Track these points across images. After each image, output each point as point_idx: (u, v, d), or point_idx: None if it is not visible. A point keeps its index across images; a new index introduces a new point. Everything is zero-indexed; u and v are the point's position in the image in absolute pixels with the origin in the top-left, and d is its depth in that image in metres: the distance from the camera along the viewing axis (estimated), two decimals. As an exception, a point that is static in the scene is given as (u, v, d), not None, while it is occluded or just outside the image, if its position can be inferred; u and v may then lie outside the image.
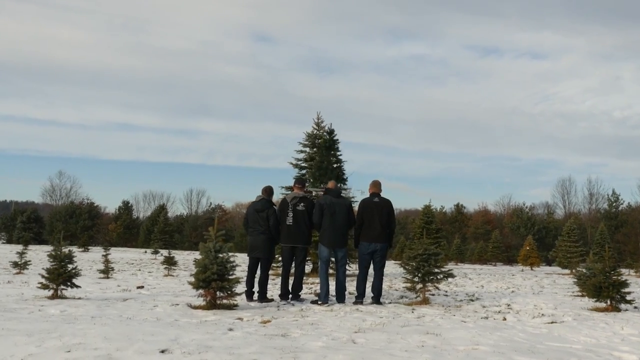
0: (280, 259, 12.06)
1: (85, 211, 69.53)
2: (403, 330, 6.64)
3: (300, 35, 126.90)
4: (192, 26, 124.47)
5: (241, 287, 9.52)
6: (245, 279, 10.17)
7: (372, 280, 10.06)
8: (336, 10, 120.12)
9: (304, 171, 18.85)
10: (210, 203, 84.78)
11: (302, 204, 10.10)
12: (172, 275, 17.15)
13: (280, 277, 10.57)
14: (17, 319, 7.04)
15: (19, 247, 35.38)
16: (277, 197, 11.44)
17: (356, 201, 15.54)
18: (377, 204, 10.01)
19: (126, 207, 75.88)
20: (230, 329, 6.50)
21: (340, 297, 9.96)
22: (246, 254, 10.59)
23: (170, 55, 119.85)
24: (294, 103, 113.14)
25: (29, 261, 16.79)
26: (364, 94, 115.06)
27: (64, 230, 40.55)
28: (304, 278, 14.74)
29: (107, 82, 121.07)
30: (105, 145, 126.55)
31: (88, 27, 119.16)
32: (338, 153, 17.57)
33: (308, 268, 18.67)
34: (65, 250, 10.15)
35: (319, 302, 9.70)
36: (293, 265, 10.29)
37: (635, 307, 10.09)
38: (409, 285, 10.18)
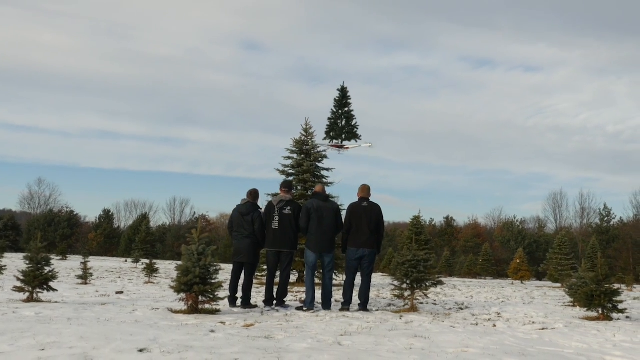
0: (265, 267, 11.98)
1: (65, 219, 68.99)
2: (390, 334, 6.59)
3: (289, 43, 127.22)
4: (178, 32, 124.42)
5: (224, 292, 9.43)
6: (228, 283, 10.09)
7: (359, 286, 10.01)
8: (327, 19, 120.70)
9: (291, 178, 18.79)
10: (194, 213, 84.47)
11: (288, 208, 10.04)
12: (153, 283, 16.98)
13: (265, 283, 10.48)
14: (-11, 319, 6.92)
15: (-5, 255, 34.89)
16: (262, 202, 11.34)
17: (344, 208, 15.54)
18: (365, 209, 9.98)
19: (107, 216, 75.36)
20: (212, 331, 6.42)
21: (327, 304, 9.89)
22: (231, 264, 10.49)
23: (156, 61, 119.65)
24: (282, 113, 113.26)
25: (4, 266, 16.55)
26: (354, 104, 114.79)
27: (42, 238, 40.09)
28: (289, 286, 14.68)
29: (90, 88, 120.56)
30: (86, 153, 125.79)
31: (71, 32, 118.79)
32: (351, 110, 17.66)
33: (294, 277, 18.60)
34: (43, 254, 10.02)
35: (304, 309, 9.63)
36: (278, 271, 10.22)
37: (628, 317, 10.12)
38: (397, 292, 10.14)
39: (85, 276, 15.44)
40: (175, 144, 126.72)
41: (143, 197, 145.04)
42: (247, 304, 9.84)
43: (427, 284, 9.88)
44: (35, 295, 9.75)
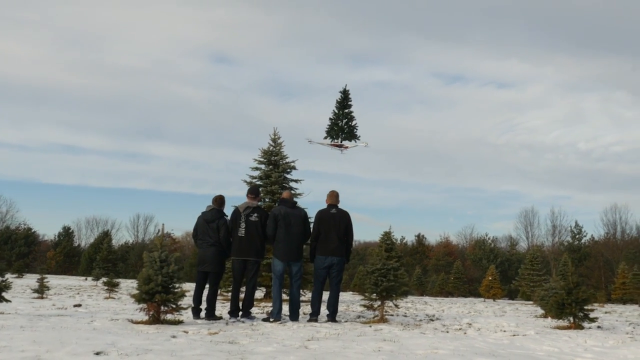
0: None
1: (22, 237, 67.53)
2: (359, 339, 6.56)
3: (261, 57, 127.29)
4: (147, 44, 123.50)
5: (187, 301, 9.28)
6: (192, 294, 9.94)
7: (328, 296, 9.96)
8: (299, 33, 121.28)
9: (260, 195, 18.67)
10: (159, 230, 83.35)
11: (255, 215, 9.97)
12: (114, 298, 16.68)
13: (231, 293, 10.35)
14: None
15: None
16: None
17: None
18: (333, 216, 9.96)
19: (67, 234, 74.00)
20: (174, 336, 6.31)
21: (294, 315, 9.79)
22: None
23: (123, 73, 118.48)
24: (253, 127, 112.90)
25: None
26: (325, 119, 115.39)
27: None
28: (256, 302, 14.55)
29: (52, 100, 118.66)
30: (47, 169, 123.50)
31: (34, 41, 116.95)
32: (352, 112, 18.24)
33: (261, 293, 18.44)
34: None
35: (271, 320, 9.51)
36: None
37: (599, 327, 10.24)
38: (366, 302, 10.11)
39: (41, 290, 15.08)
40: (141, 160, 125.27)
41: (105, 214, 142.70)
42: (211, 315, 9.67)
43: (398, 292, 9.86)
44: (-14, 307, 9.47)
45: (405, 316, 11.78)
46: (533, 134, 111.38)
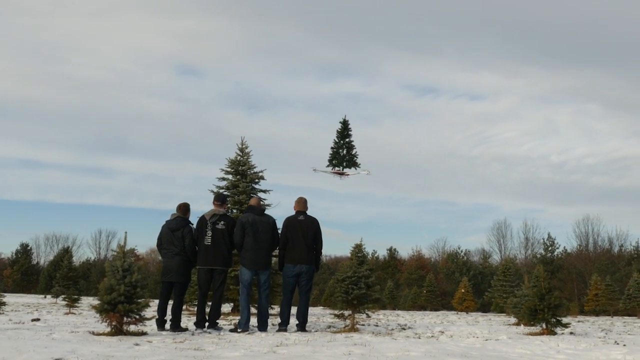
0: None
1: (-24, 255, 65.96)
2: (329, 344, 6.55)
3: (228, 69, 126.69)
4: (110, 55, 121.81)
5: (152, 312, 9.16)
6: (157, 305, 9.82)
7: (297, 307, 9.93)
8: (267, 43, 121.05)
9: (227, 202, 18.57)
10: (121, 241, 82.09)
11: (222, 222, 9.91)
12: (74, 313, 16.38)
13: (197, 304, 10.24)
14: None
15: None
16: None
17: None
18: (301, 223, 9.95)
19: (25, 251, 72.49)
20: (137, 344, 6.23)
21: (263, 325, 9.72)
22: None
23: (84, 85, 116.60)
24: (220, 141, 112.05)
25: None
26: (295, 132, 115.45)
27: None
28: (223, 315, 14.42)
29: (10, 113, 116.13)
30: (4, 184, 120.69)
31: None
32: (352, 141, 19.33)
33: (229, 307, 18.29)
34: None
35: (238, 330, 9.43)
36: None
37: (572, 333, 10.39)
38: (337, 312, 10.10)
39: (-3, 306, 14.71)
40: (103, 175, 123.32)
41: (66, 230, 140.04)
42: (176, 327, 9.54)
43: (369, 301, 9.87)
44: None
45: (377, 326, 11.80)
46: (505, 147, 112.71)
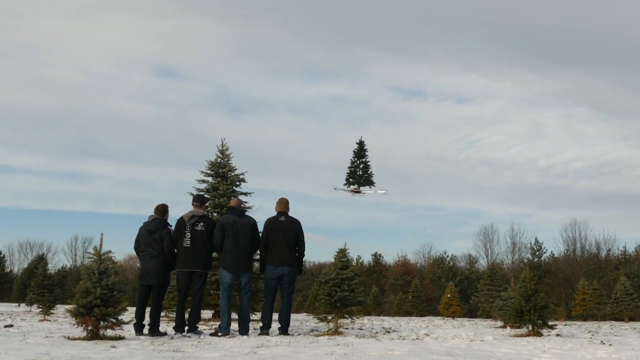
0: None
1: (-54, 263, 65.14)
2: (311, 345, 6.56)
3: (210, 70, 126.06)
4: (87, 56, 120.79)
5: (130, 316, 9.11)
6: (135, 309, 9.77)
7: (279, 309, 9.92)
8: (250, 45, 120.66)
9: (206, 203, 18.51)
10: (97, 244, 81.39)
11: (201, 224, 9.88)
12: (49, 320, 16.23)
13: (176, 308, 10.19)
14: None
15: None
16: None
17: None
18: (283, 224, 9.95)
19: (-3, 259, 71.69)
20: (113, 347, 6.20)
21: (244, 329, 9.69)
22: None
23: (60, 88, 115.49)
24: (201, 144, 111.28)
25: None
26: (278, 136, 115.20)
27: None
28: (204, 321, 14.37)
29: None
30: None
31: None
32: (368, 160, 20.43)
33: (209, 313, 18.22)
34: None
35: (219, 334, 9.41)
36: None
37: (558, 335, 10.48)
38: (320, 314, 10.10)
39: (-32, 314, 14.57)
40: (79, 180, 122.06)
41: (40, 237, 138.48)
42: (155, 331, 9.49)
43: (353, 303, 9.88)
44: None
45: (361, 329, 11.81)
46: (493, 150, 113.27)
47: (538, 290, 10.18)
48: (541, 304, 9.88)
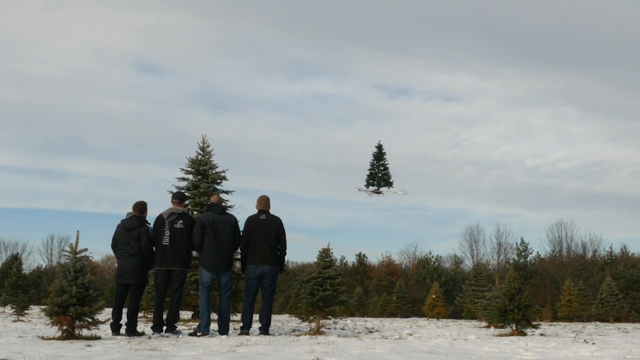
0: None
1: None
2: (292, 344, 6.59)
3: (191, 67, 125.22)
4: (64, 51, 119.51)
5: (106, 315, 9.08)
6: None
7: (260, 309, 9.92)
8: (234, 41, 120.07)
9: (186, 201, 18.47)
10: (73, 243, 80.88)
11: (180, 222, 9.84)
12: (23, 321, 16.11)
13: (154, 307, 10.16)
14: None
15: None
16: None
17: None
18: (263, 222, 9.95)
19: (-30, 259, 71.00)
20: (89, 345, 6.18)
21: (224, 329, 9.68)
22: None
23: (36, 83, 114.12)
24: (182, 142, 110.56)
25: None
26: (262, 134, 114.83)
27: None
28: (183, 322, 14.33)
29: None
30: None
31: None
32: (387, 163, 20.49)
33: (189, 314, 18.18)
34: None
35: (198, 334, 9.40)
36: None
37: (542, 334, 10.58)
38: (301, 315, 10.12)
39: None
40: (56, 178, 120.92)
41: (15, 236, 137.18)
42: (132, 331, 9.44)
43: (335, 302, 9.92)
44: None
45: (343, 329, 11.85)
46: (480, 150, 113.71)
47: (522, 289, 10.28)
48: (525, 303, 9.98)
